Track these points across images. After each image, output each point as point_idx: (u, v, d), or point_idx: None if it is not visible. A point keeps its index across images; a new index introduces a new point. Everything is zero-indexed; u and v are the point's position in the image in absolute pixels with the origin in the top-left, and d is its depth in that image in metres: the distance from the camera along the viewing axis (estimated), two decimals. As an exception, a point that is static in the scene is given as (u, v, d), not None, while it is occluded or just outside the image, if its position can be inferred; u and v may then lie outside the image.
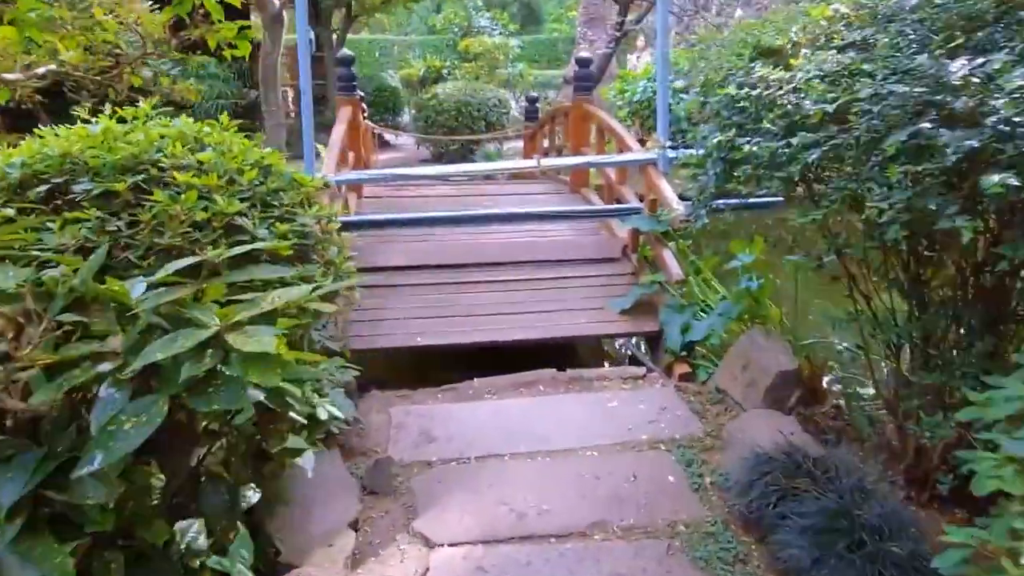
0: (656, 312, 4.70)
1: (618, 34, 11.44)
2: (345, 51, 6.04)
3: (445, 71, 15.66)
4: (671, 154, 4.75)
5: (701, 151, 3.31)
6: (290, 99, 13.42)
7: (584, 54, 6.45)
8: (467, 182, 5.85)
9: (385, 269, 5.03)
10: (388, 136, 13.21)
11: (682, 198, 4.43)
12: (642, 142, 8.58)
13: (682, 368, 4.37)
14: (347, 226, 4.54)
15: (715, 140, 3.10)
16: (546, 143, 8.61)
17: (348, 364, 3.58)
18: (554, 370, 4.34)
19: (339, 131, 5.10)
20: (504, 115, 11.95)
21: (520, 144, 10.27)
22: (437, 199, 6.32)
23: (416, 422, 3.72)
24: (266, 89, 8.85)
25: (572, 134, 6.87)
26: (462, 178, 7.52)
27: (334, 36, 13.75)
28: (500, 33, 16.26)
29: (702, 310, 4.66)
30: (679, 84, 11.37)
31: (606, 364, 5.24)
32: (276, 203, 2.76)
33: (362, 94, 9.13)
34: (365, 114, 8.79)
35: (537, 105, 9.73)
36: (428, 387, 4.26)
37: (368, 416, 3.89)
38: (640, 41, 13.13)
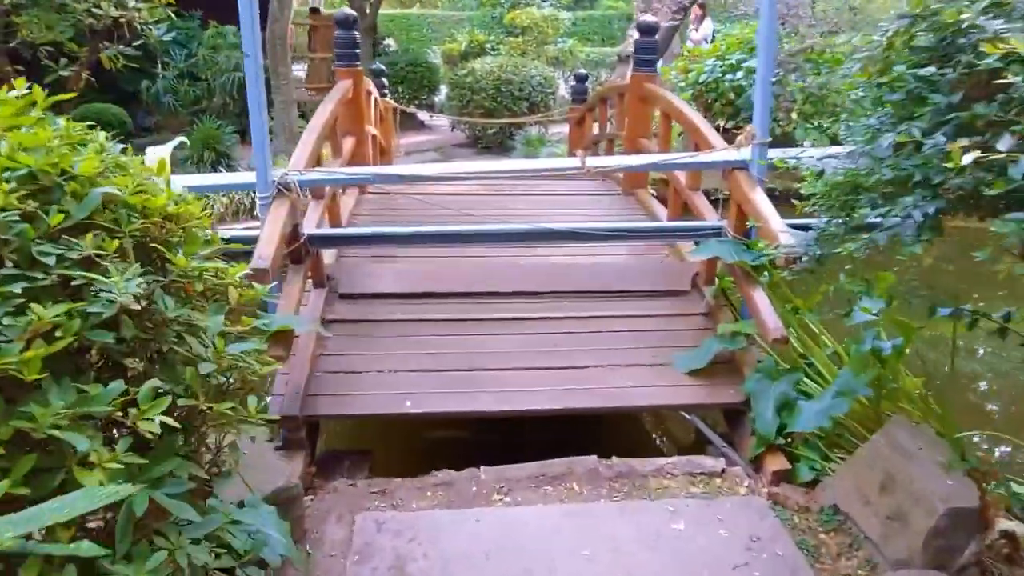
0: (739, 375, 3.38)
1: (687, 2, 9.92)
2: (344, 9, 4.79)
3: (489, 46, 14.32)
4: (772, 155, 3.38)
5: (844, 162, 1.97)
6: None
7: (649, 17, 5.08)
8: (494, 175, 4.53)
9: (371, 297, 3.80)
10: (422, 116, 11.97)
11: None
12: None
13: (777, 462, 3.06)
14: (317, 241, 3.33)
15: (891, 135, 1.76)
16: (596, 129, 7.26)
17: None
18: (594, 459, 3.06)
19: (323, 113, 3.86)
20: (550, 95, 10.58)
21: (567, 129, 8.92)
22: (454, 197, 5.06)
23: (390, 544, 2.53)
24: (274, 61, 7.70)
25: (629, 120, 5.50)
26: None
27: (367, 6, 12.54)
28: (551, 5, 14.79)
29: (807, 375, 3.31)
30: (753, 64, 9.83)
31: (663, 440, 3.94)
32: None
33: (382, 67, 7.90)
34: (385, 91, 7.57)
35: (587, 84, 8.33)
36: (416, 473, 3.06)
37: (323, 526, 2.70)
38: (696, 9, 11.44)
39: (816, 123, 9.96)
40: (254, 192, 3.09)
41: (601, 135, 6.92)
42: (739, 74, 9.61)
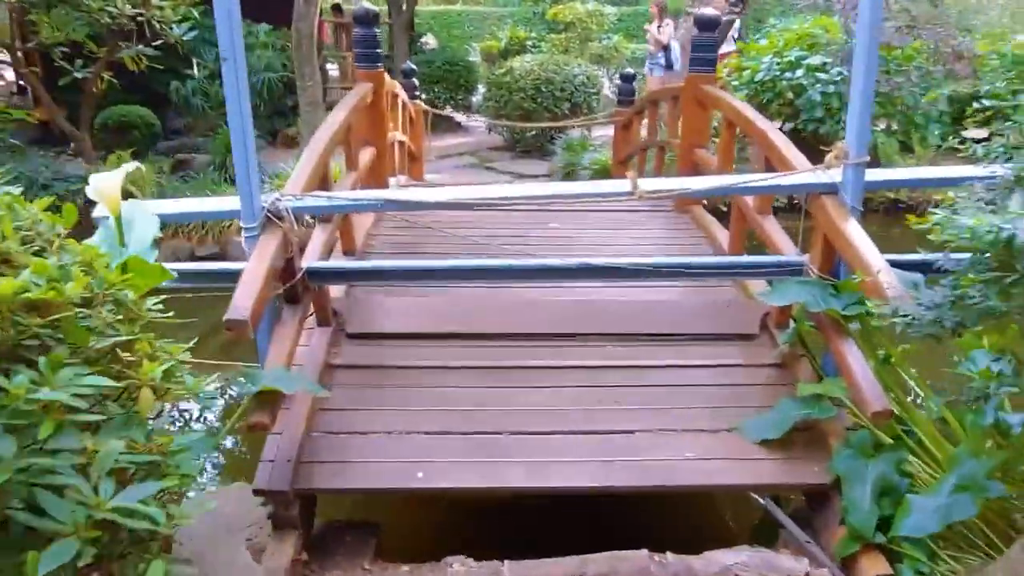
0: (824, 447, 2.75)
1: (745, -6, 9.17)
2: (365, 4, 4.28)
3: (530, 43, 13.74)
4: (873, 176, 2.75)
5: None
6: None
7: (707, 10, 4.46)
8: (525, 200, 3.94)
9: (385, 338, 3.28)
10: (459, 117, 11.47)
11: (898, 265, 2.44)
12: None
13: (876, 566, 2.43)
14: (318, 277, 2.82)
15: None
16: (644, 133, 6.63)
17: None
18: (644, 554, 2.48)
19: (332, 123, 3.35)
20: (594, 96, 9.94)
21: (612, 132, 8.30)
22: (488, 213, 4.52)
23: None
24: (299, 61, 7.26)
25: (684, 127, 4.89)
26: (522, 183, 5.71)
27: (403, 2, 12.09)
28: (596, 0, 14.12)
29: (912, 451, 2.67)
30: (815, 61, 9.05)
31: (724, 521, 3.31)
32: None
33: (412, 67, 7.40)
34: (417, 92, 7.07)
35: (634, 84, 7.69)
36: (431, 553, 2.55)
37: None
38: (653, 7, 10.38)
39: (884, 126, 9.14)
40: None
41: (650, 141, 6.30)
42: (799, 72, 8.85)
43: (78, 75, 6.24)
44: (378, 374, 3.09)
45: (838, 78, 8.54)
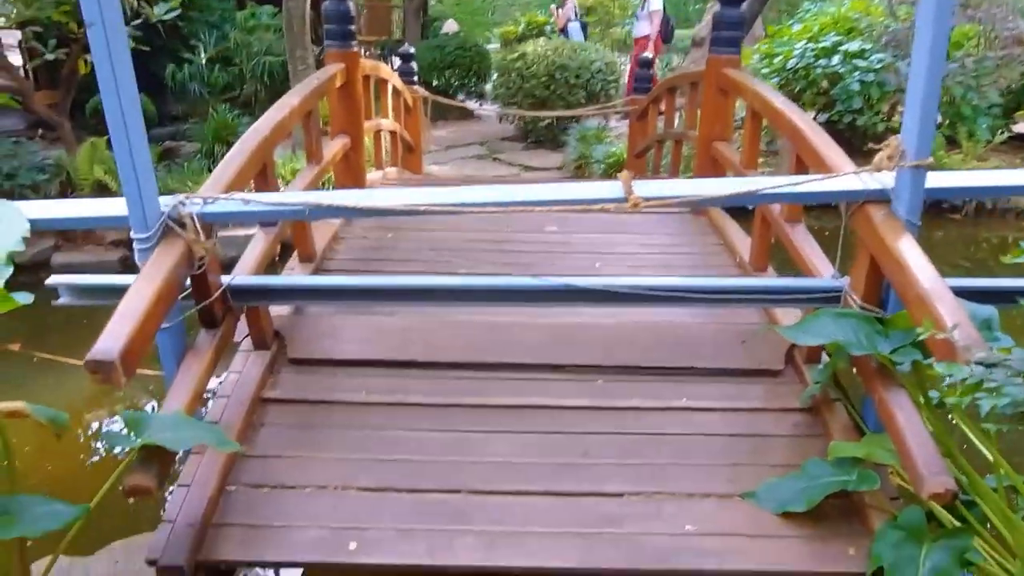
0: (862, 522, 2.19)
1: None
2: (335, -28, 3.76)
3: (549, 27, 13.12)
4: (933, 182, 2.16)
5: None
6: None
7: (733, -17, 3.86)
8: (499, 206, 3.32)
9: (332, 365, 2.75)
10: (470, 105, 10.90)
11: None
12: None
13: None
14: (243, 295, 2.31)
15: None
16: (661, 124, 6.02)
17: None
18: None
19: (281, 108, 2.83)
20: (612, 84, 9.31)
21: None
22: (474, 216, 3.97)
23: None
24: (291, 43, 6.76)
25: (703, 116, 4.29)
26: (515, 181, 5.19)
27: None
28: (618, -17, 13.45)
29: (976, 531, 2.08)
30: (853, 47, 8.32)
31: None
32: None
33: (409, 49, 6.86)
34: (414, 76, 6.53)
35: (652, 71, 7.06)
36: None
37: None
38: None
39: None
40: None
41: (666, 133, 5.69)
42: (835, 59, 8.17)
43: (49, 56, 5.80)
44: (318, 411, 2.57)
45: (879, 65, 7.84)
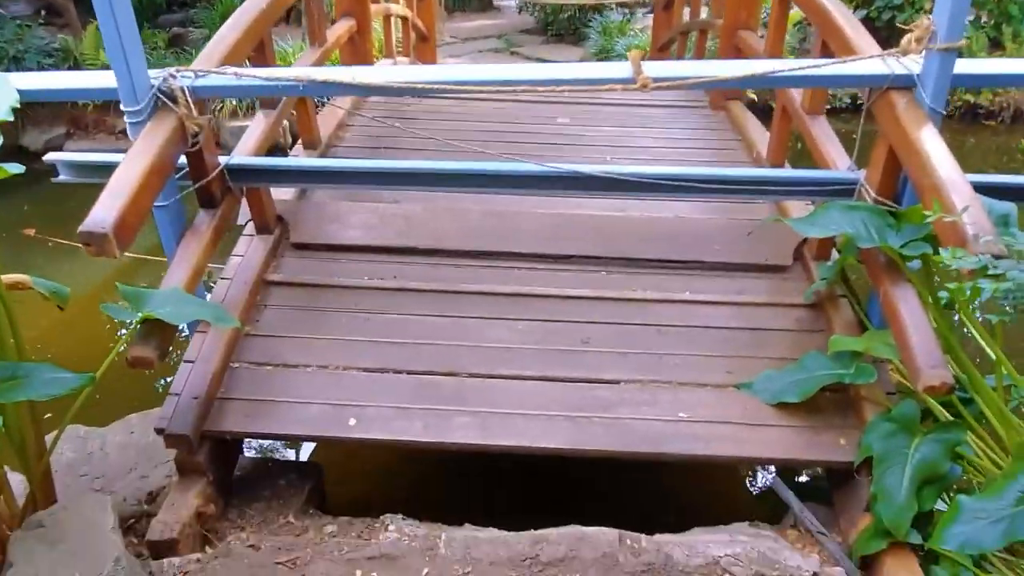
0: (855, 415, 2.21)
1: None
2: None
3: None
4: (962, 68, 2.02)
5: None
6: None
7: None
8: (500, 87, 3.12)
9: (334, 250, 2.74)
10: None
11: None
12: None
13: (905, 571, 1.95)
14: (242, 175, 2.28)
15: None
16: (687, 14, 5.69)
17: None
18: (614, 536, 2.02)
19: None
20: (640, -27, 8.76)
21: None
22: (485, 104, 3.85)
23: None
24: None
25: (728, 3, 4.03)
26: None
27: None
28: None
29: (971, 427, 2.08)
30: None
31: (719, 495, 2.81)
32: None
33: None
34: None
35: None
36: (378, 505, 2.19)
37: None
38: None
39: (971, 17, 7.85)
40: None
41: (691, 23, 5.38)
42: (878, -53, 7.58)
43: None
44: (320, 294, 2.59)
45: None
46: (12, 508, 1.95)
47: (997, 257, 1.49)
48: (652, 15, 8.31)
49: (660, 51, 6.21)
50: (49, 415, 2.54)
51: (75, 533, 1.72)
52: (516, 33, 9.23)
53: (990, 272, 1.40)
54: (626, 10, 8.63)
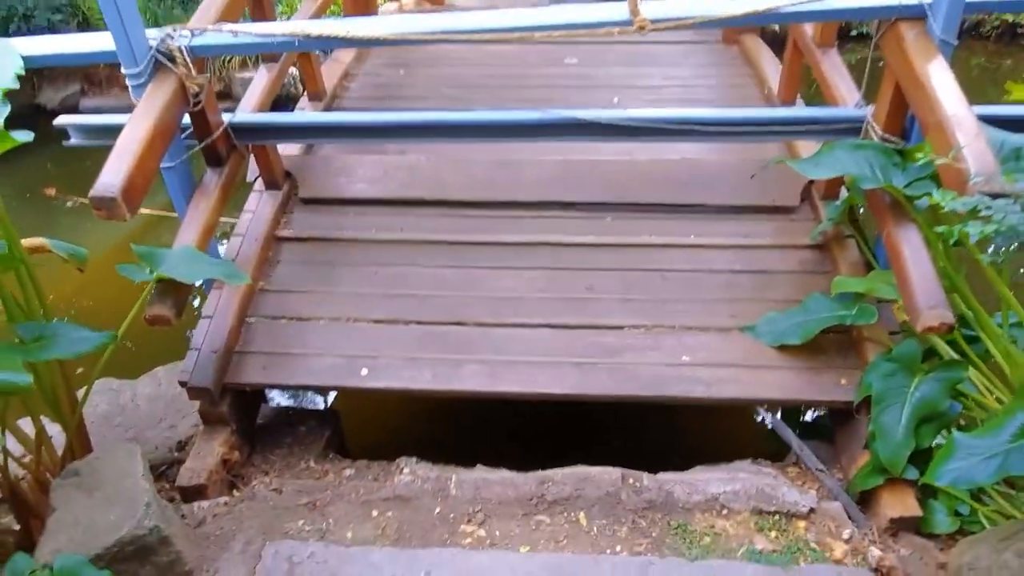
0: (857, 355, 2.23)
1: None
2: None
3: None
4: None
5: None
6: None
7: None
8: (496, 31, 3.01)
9: (342, 204, 2.78)
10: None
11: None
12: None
13: (900, 504, 2.02)
14: (245, 133, 2.32)
15: None
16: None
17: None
18: (617, 475, 2.11)
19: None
20: None
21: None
22: (490, 48, 3.78)
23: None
24: None
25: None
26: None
27: None
28: None
29: (975, 365, 2.09)
30: None
31: (720, 433, 2.86)
32: None
33: None
34: None
35: None
36: (391, 448, 2.31)
37: (219, 562, 1.95)
38: None
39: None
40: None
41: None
42: None
43: None
44: (330, 248, 2.65)
45: None
46: (53, 457, 2.08)
47: (995, 196, 1.47)
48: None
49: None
50: (80, 370, 2.68)
51: (109, 480, 1.84)
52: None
53: (981, 214, 1.39)
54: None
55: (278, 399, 2.97)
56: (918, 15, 2.03)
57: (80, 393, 2.14)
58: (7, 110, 1.89)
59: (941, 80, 1.89)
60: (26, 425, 2.08)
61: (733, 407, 2.67)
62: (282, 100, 4.57)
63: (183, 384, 2.25)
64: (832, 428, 2.32)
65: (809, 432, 2.44)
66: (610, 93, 3.43)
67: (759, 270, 2.51)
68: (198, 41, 2.05)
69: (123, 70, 2.02)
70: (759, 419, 2.86)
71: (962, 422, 2.20)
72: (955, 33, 2.01)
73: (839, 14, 2.14)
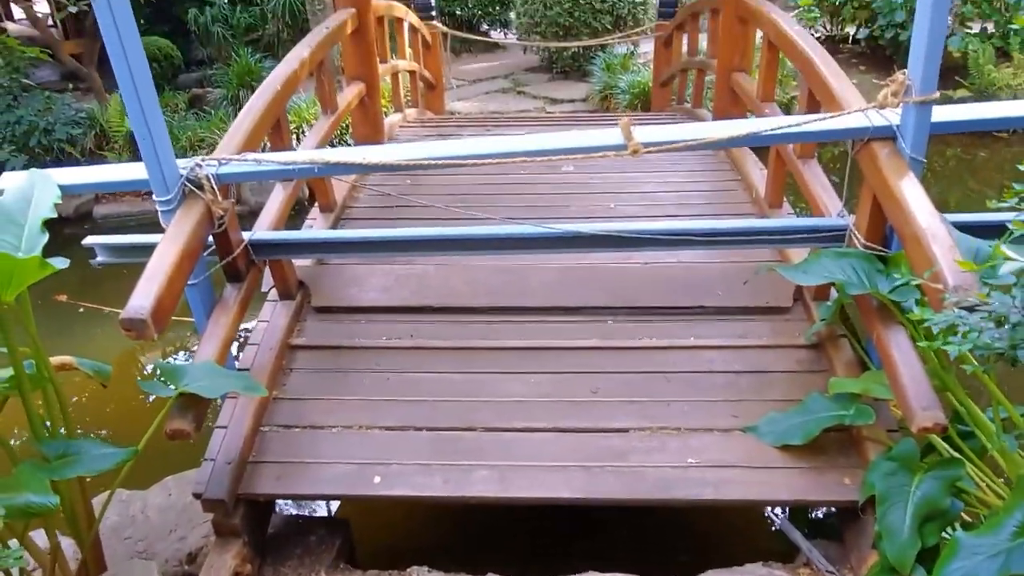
0: (858, 454, 2.29)
1: None
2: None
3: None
4: (940, 116, 2.13)
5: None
6: None
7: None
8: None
9: (354, 312, 2.90)
10: (495, 36, 10.67)
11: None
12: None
13: (913, 607, 2.00)
14: (264, 250, 2.45)
15: None
16: (685, 50, 5.86)
17: None
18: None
19: (291, 62, 2.88)
20: (640, 7, 8.96)
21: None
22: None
23: None
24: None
25: (722, 46, 4.18)
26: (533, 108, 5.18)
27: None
28: None
29: (972, 461, 2.15)
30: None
31: (730, 534, 2.88)
32: None
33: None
34: (432, 11, 6.42)
35: (679, -7, 6.79)
36: (403, 557, 2.30)
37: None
38: None
39: (978, 29, 7.94)
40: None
41: (690, 62, 5.55)
42: (876, -31, 7.73)
43: (72, 9, 5.88)
44: (342, 356, 2.74)
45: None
46: (67, 575, 2.09)
47: (970, 310, 1.58)
48: (651, 43, 8.51)
49: (661, 87, 6.39)
50: (89, 479, 2.70)
51: (126, 600, 1.85)
52: (522, 72, 9.48)
53: (960, 331, 1.50)
54: (630, 43, 8.83)
55: (287, 507, 2.97)
56: (888, 135, 2.22)
57: (97, 507, 2.17)
58: (45, 239, 2.01)
59: (913, 195, 2.05)
60: (38, 537, 2.10)
61: (739, 505, 2.69)
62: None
63: (197, 496, 2.28)
64: (839, 527, 2.34)
65: (817, 530, 2.46)
66: (607, 199, 3.62)
67: (758, 370, 2.60)
68: (225, 170, 2.21)
69: (154, 197, 2.17)
70: (765, 514, 2.88)
71: (966, 517, 2.23)
72: (924, 151, 2.19)
73: (814, 136, 2.33)
